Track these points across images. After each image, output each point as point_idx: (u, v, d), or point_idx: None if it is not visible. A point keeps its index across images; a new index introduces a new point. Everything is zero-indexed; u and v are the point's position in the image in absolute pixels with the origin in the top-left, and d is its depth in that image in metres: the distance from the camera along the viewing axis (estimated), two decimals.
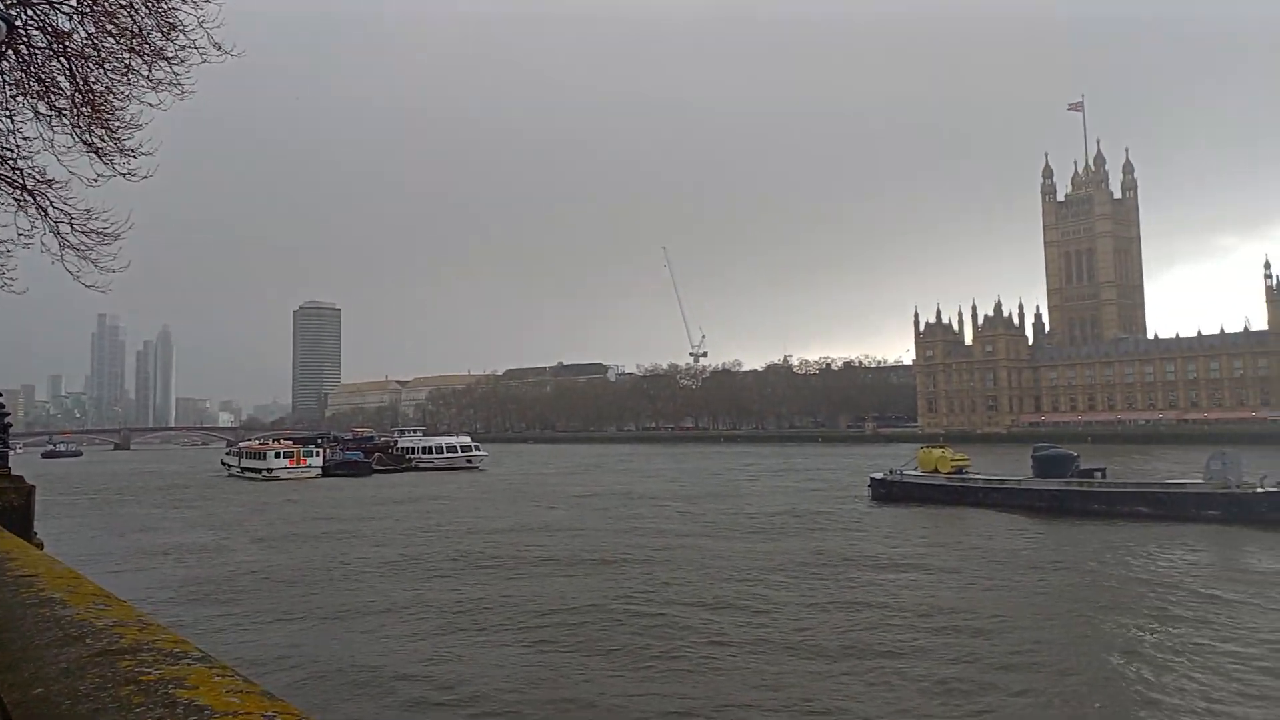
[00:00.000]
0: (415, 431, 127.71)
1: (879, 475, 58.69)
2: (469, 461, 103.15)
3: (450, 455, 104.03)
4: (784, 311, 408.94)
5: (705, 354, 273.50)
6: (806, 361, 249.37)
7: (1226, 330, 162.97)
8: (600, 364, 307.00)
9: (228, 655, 17.74)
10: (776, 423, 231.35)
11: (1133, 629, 22.09)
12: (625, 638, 21.77)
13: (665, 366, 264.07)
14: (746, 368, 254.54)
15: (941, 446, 66.47)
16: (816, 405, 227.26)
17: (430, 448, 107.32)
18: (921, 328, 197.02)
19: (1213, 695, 16.84)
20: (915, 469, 58.21)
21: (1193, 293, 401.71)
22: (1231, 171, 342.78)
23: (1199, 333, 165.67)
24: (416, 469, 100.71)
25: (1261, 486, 40.39)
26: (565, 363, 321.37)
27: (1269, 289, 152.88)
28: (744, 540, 38.47)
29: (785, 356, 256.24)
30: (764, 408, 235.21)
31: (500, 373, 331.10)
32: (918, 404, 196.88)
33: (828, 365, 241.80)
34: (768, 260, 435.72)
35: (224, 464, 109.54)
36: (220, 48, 10.04)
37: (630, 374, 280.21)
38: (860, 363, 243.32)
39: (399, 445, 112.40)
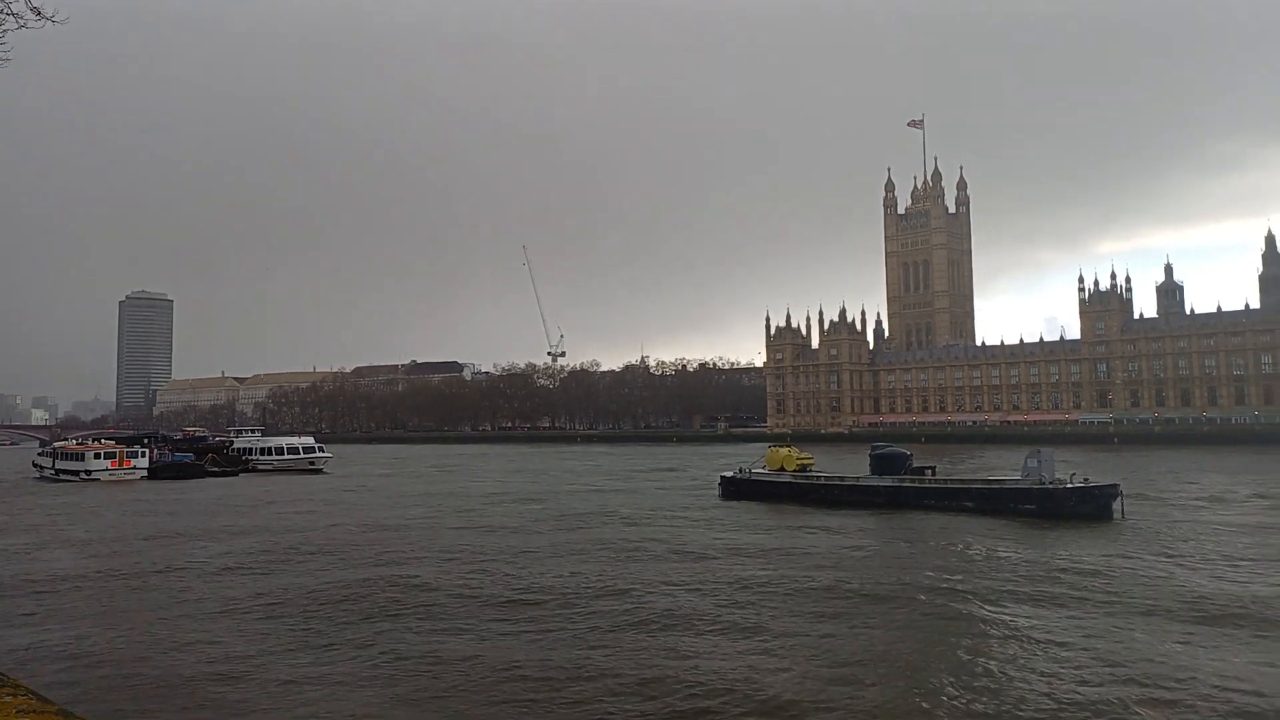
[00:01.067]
0: (253, 431, 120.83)
1: (729, 474, 59.99)
2: (311, 463, 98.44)
3: (291, 457, 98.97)
4: (642, 313, 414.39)
5: (564, 354, 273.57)
6: (663, 363, 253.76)
7: (1045, 339, 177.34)
8: (455, 362, 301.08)
9: (22, 672, 16.15)
10: (633, 422, 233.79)
11: (921, 602, 23.31)
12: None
13: (523, 366, 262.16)
14: (605, 368, 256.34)
15: (788, 446, 68.64)
16: (672, 405, 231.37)
17: (269, 449, 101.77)
18: (772, 331, 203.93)
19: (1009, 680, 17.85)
20: (763, 467, 59.80)
21: (1017, 303, 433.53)
22: (1051, 190, 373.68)
23: (1021, 341, 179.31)
24: (254, 471, 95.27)
25: (1070, 482, 43.73)
26: (419, 361, 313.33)
27: (1081, 301, 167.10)
28: (577, 532, 38.30)
29: (643, 358, 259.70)
30: (621, 408, 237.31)
31: (349, 370, 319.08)
32: (767, 405, 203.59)
33: (683, 366, 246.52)
34: (628, 262, 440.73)
35: (36, 465, 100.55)
36: (40, 12, 8.93)
37: (487, 373, 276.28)
38: (714, 364, 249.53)
39: (235, 446, 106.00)
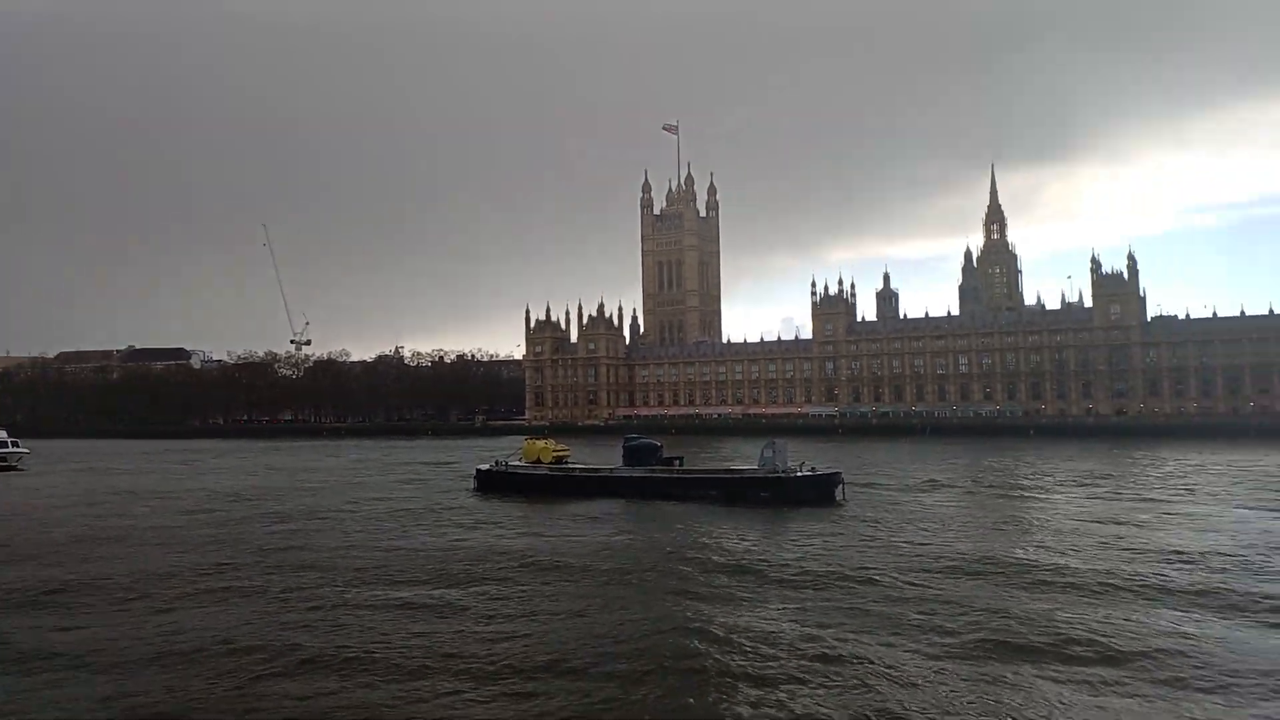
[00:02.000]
0: None
1: (484, 467, 59.44)
2: (3, 460, 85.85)
3: None
4: (397, 302, 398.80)
5: (309, 342, 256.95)
6: (419, 354, 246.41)
7: (783, 338, 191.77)
8: (182, 349, 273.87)
9: None
10: (386, 415, 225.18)
11: (656, 581, 24.56)
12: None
13: (262, 354, 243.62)
14: (355, 358, 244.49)
15: (545, 439, 69.06)
16: (429, 398, 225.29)
17: None
18: (532, 325, 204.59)
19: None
20: (521, 460, 59.74)
21: (759, 303, 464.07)
22: (790, 200, 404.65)
23: (761, 339, 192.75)
24: None
25: (800, 471, 47.52)
26: (138, 347, 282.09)
27: (814, 304, 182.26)
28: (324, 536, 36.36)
29: (397, 348, 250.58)
30: (373, 400, 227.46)
31: (51, 355, 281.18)
32: (527, 398, 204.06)
33: (441, 358, 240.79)
34: (383, 251, 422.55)
35: None
36: None
37: (220, 362, 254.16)
38: (473, 357, 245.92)
39: None
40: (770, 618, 22.13)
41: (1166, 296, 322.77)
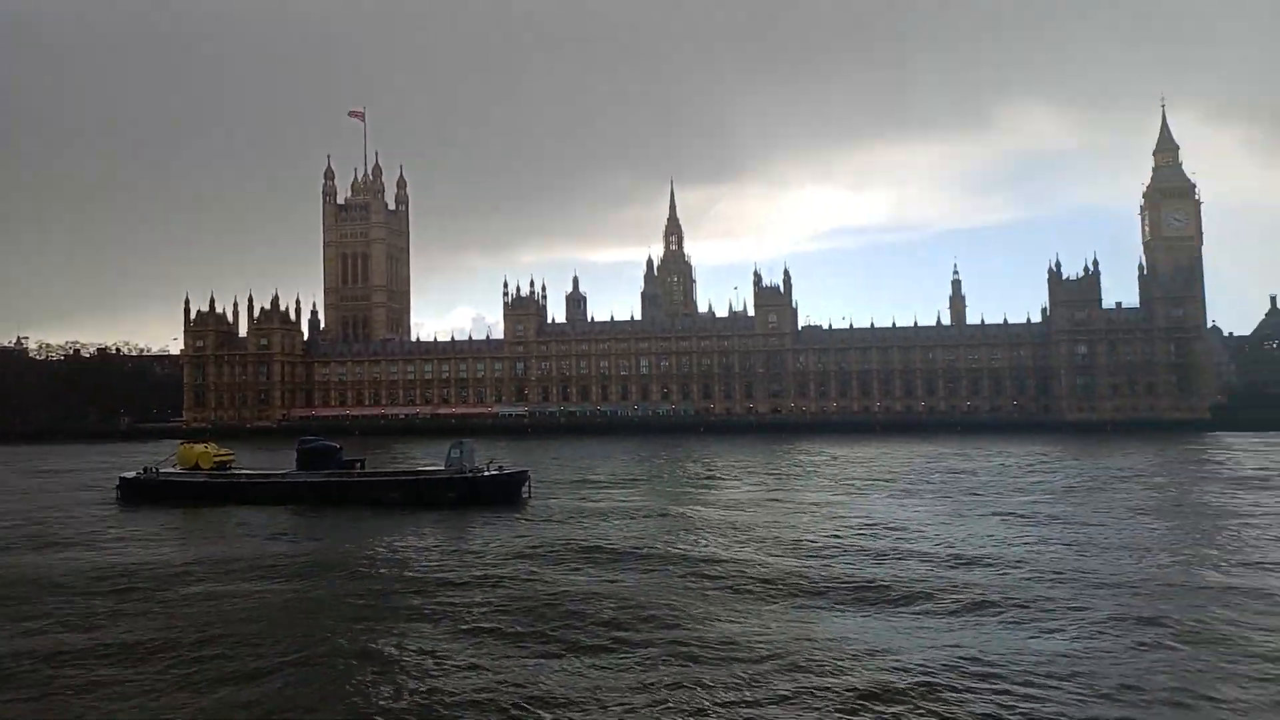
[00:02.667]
0: None
1: (130, 475, 52.49)
2: None
3: None
4: (18, 286, 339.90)
5: None
6: (48, 346, 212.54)
7: (475, 338, 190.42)
8: None
9: None
10: (4, 418, 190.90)
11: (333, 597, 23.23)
12: None
13: None
14: None
15: (205, 442, 62.56)
16: (62, 398, 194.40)
17: None
18: (193, 316, 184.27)
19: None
20: (176, 466, 53.53)
21: (451, 301, 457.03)
22: (483, 200, 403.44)
23: (452, 338, 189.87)
24: None
25: (487, 471, 47.16)
26: None
27: (506, 305, 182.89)
28: None
29: (20, 338, 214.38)
30: None
31: None
32: (185, 397, 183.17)
33: (76, 352, 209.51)
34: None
35: None
36: None
37: None
38: (119, 351, 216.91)
39: None
40: (438, 636, 21.45)
41: (815, 308, 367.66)
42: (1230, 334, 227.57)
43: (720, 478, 61.54)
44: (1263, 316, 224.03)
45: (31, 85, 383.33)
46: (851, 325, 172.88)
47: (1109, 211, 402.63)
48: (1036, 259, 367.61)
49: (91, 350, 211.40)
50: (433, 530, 37.53)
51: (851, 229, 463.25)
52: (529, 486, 47.04)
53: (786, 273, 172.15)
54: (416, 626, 21.65)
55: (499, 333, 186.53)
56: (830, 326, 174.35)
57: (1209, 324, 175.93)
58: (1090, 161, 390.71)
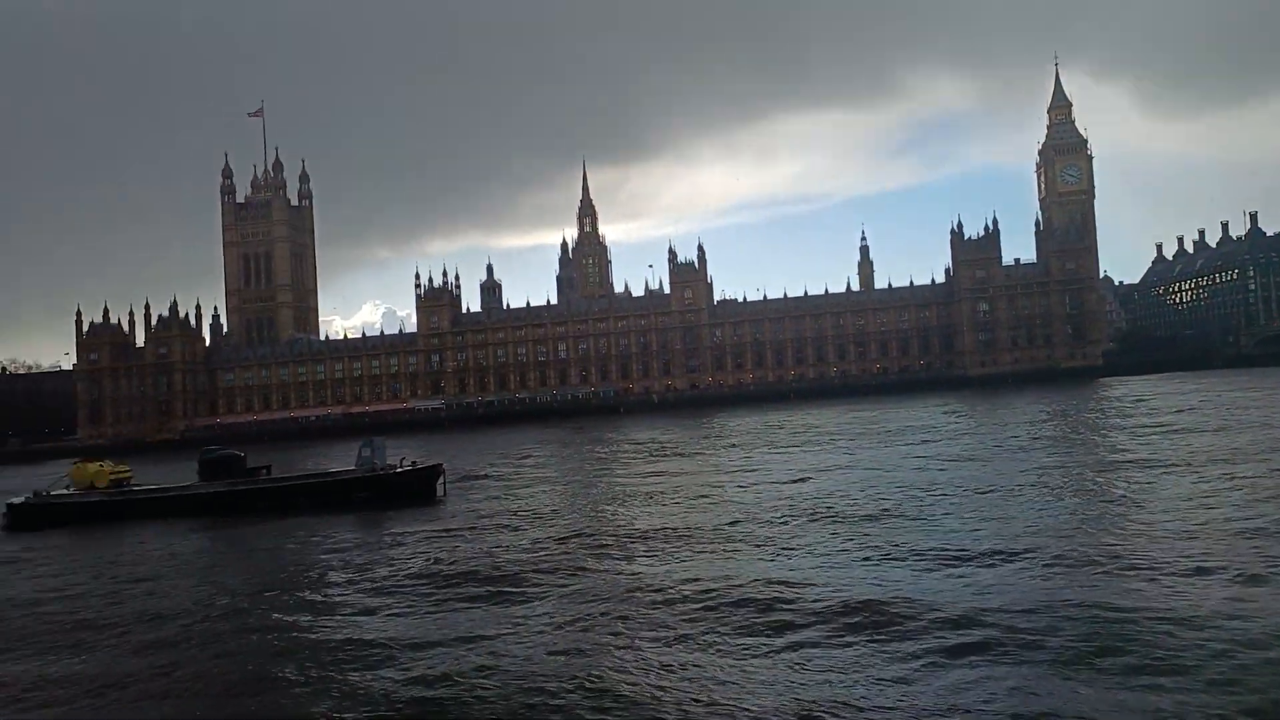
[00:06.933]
0: None
1: (18, 500, 49.52)
2: None
3: None
4: None
5: None
6: None
7: (386, 332, 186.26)
8: None
9: None
10: None
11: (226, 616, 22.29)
12: None
13: None
14: None
15: (100, 460, 59.55)
16: None
17: None
18: (85, 329, 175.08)
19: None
20: (70, 487, 50.76)
21: (360, 297, 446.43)
22: (388, 190, 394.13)
23: (363, 334, 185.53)
24: None
25: (400, 467, 46.00)
26: None
27: (418, 297, 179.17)
28: None
29: None
30: None
31: None
32: (79, 414, 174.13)
33: None
34: None
35: None
36: None
37: None
38: (4, 370, 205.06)
39: None
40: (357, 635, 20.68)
41: (729, 281, 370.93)
42: (1120, 283, 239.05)
43: (646, 454, 61.60)
44: (1149, 264, 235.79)
45: None
46: (765, 297, 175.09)
47: (1009, 170, 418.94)
48: (941, 220, 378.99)
49: None
50: (343, 532, 36.42)
51: (761, 201, 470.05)
52: (443, 481, 46.05)
53: (700, 248, 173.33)
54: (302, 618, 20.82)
55: (411, 326, 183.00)
56: (745, 299, 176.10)
57: (1101, 274, 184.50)
58: (990, 122, 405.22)
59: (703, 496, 38.18)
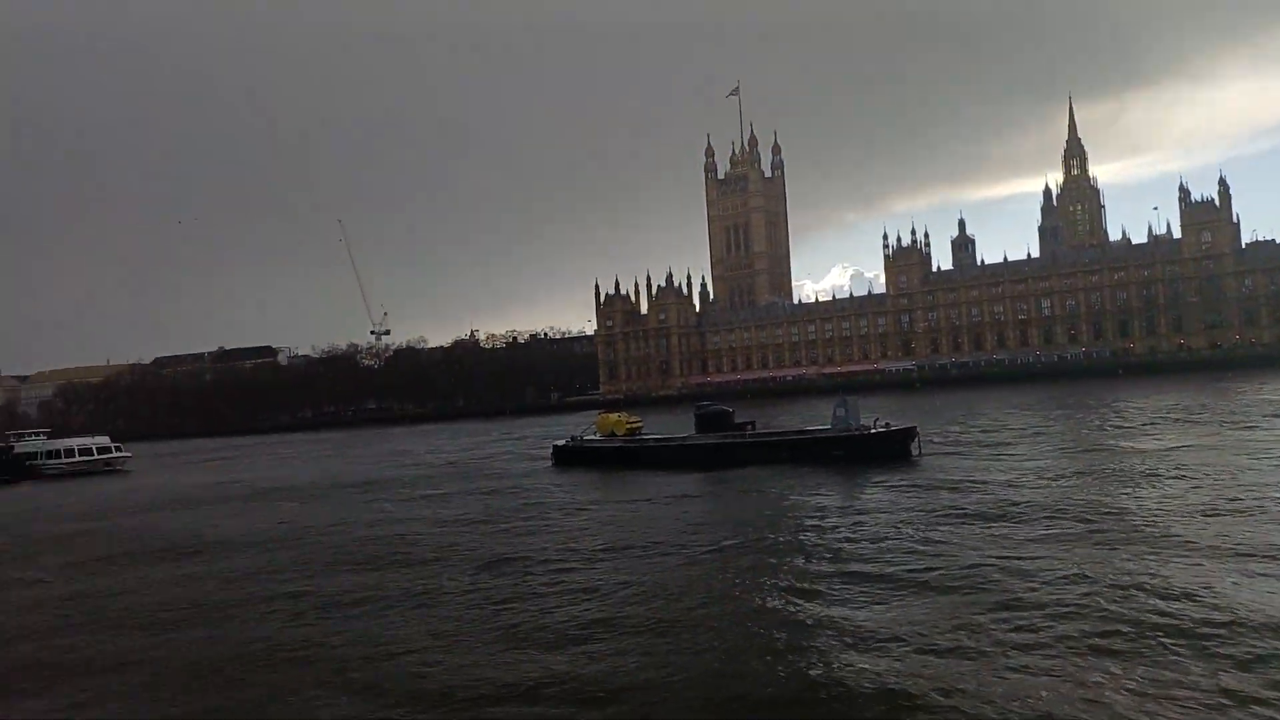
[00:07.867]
0: (37, 435, 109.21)
1: (561, 442, 60.33)
2: (108, 465, 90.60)
3: (84, 459, 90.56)
4: (470, 286, 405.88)
5: (388, 331, 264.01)
6: (494, 336, 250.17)
7: (855, 294, 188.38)
8: (269, 347, 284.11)
9: None
10: (465, 400, 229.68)
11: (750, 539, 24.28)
12: None
13: (344, 347, 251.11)
14: (433, 344, 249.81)
15: (618, 412, 69.88)
16: (504, 379, 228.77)
17: (57, 451, 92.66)
18: (602, 299, 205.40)
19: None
20: (595, 434, 60.45)
21: (830, 260, 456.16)
22: (854, 154, 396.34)
23: (834, 296, 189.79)
24: (39, 477, 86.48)
25: (874, 428, 46.58)
26: (227, 347, 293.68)
27: (886, 258, 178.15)
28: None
29: (472, 331, 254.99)
30: (452, 385, 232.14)
31: (148, 361, 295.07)
32: (600, 372, 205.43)
33: (514, 339, 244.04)
34: (454, 233, 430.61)
35: None
36: None
37: (305, 357, 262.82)
38: (545, 335, 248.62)
39: (15, 451, 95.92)
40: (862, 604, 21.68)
41: (1263, 221, 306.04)
42: None
43: (1151, 426, 54.37)
44: None
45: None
46: None
47: None
48: None
49: (525, 336, 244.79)
50: (825, 484, 38.29)
51: None
52: (919, 442, 45.64)
53: (1223, 181, 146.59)
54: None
55: (879, 287, 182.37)
56: None
57: None
58: None
59: (1234, 499, 32.58)
